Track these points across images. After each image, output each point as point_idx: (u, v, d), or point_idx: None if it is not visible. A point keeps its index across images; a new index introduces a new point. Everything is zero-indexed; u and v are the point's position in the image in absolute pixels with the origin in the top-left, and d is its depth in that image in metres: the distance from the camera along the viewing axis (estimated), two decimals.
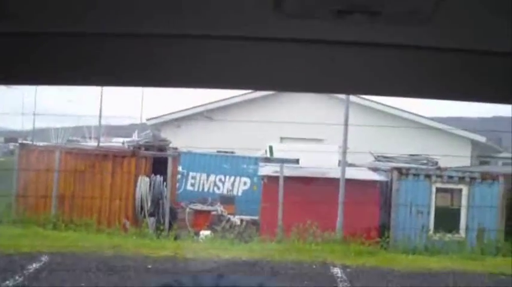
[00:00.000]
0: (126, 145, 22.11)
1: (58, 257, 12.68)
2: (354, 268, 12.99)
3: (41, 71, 1.43)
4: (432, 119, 27.42)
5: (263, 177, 17.45)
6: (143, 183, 17.32)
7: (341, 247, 14.51)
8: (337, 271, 12.83)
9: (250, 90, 27.91)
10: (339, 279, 12.24)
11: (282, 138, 26.50)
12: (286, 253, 13.68)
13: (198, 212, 18.13)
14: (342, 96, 22.57)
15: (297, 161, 20.53)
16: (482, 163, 28.02)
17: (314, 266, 12.92)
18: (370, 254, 14.08)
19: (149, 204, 17.26)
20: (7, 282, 11.06)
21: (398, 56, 1.37)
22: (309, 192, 16.39)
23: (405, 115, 26.10)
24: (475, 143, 27.71)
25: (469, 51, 1.35)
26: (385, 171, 17.97)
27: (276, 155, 22.55)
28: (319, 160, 19.95)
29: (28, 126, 32.20)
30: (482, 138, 28.08)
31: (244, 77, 1.44)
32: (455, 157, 22.66)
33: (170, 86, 1.62)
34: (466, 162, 25.33)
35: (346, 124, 16.98)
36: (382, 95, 2.03)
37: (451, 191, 17.46)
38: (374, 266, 13.22)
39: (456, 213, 17.19)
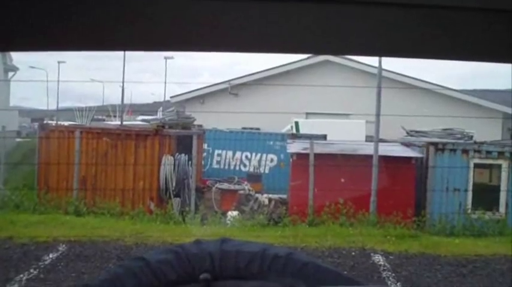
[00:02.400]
0: (150, 123, 21.13)
1: (76, 247, 11.48)
2: (396, 254, 11.60)
3: (39, 35, 1.30)
4: (461, 91, 26.15)
5: (292, 154, 16.15)
6: (167, 162, 16.17)
7: (379, 230, 13.10)
8: (378, 258, 11.43)
9: (272, 66, 27.16)
10: (381, 268, 10.83)
11: (307, 114, 25.39)
12: (321, 237, 12.30)
13: (224, 192, 16.98)
14: (370, 69, 21.47)
15: (324, 137, 19.46)
16: None
17: (353, 253, 11.51)
18: (412, 238, 12.70)
19: (174, 184, 16.15)
20: (21, 275, 9.80)
21: (400, 15, 1.26)
22: (339, 170, 15.16)
23: (434, 88, 24.76)
24: (506, 116, 26.22)
25: (473, 8, 1.24)
26: (419, 146, 16.60)
27: (302, 130, 21.58)
28: (346, 135, 18.90)
29: (53, 106, 31.30)
30: None
31: (243, 39, 1.33)
32: (486, 130, 21.39)
33: (171, 49, 1.45)
34: (497, 135, 24.02)
35: (378, 99, 15.51)
36: (383, 56, 1.82)
37: (489, 166, 16.18)
38: (418, 253, 11.81)
39: (495, 190, 15.93)
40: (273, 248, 1.63)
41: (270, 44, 1.36)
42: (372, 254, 11.56)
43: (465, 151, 15.85)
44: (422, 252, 11.79)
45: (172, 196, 15.93)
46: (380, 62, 16.01)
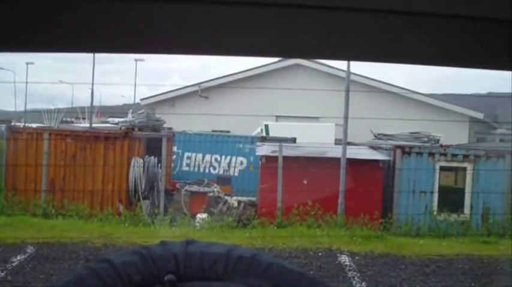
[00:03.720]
0: (119, 126, 21.14)
1: (45, 248, 11.49)
2: (362, 255, 11.82)
3: (31, 37, 1.32)
4: (429, 95, 26.53)
5: (261, 157, 16.30)
6: (137, 165, 16.22)
7: (346, 232, 13.33)
8: (344, 259, 11.65)
9: (243, 69, 27.30)
10: (347, 268, 11.05)
11: (277, 117, 25.58)
12: (289, 239, 12.49)
13: (194, 194, 17.11)
14: (340, 73, 21.74)
15: (294, 140, 19.66)
16: (479, 140, 27.05)
17: (320, 254, 11.72)
18: (377, 238, 12.94)
19: (143, 186, 16.20)
20: None
21: (392, 21, 1.30)
22: (308, 172, 15.36)
23: (403, 92, 25.12)
24: (472, 120, 26.70)
25: (464, 17, 1.29)
26: (387, 150, 16.90)
27: (272, 133, 21.74)
28: (316, 138, 19.11)
29: (21, 108, 31.07)
30: (479, 115, 27.07)
31: (220, 43, 1.35)
32: (453, 134, 21.79)
33: (160, 52, 1.49)
34: (464, 139, 24.45)
35: (347, 102, 15.76)
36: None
37: (455, 169, 16.49)
38: (383, 253, 12.06)
39: (461, 192, 16.23)
40: (238, 250, 1.61)
41: (245, 47, 1.37)
42: (338, 254, 11.78)
43: (431, 154, 16.14)
44: (387, 252, 12.04)
45: (141, 199, 15.97)
46: (348, 66, 16.25)
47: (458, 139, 21.85)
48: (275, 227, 14.07)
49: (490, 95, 35.23)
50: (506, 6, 1.28)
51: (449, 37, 1.35)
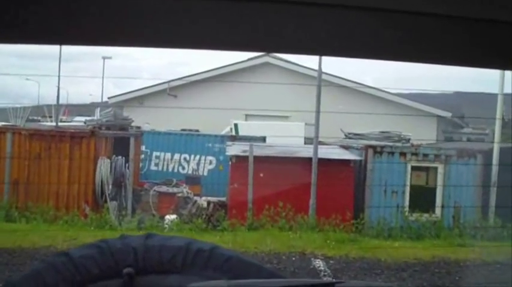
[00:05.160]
0: (86, 124, 20.41)
1: (4, 255, 10.76)
2: (337, 259, 11.34)
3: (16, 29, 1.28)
4: (398, 95, 26.26)
5: (231, 157, 15.76)
6: (103, 165, 15.58)
7: (319, 234, 12.83)
8: (319, 263, 11.14)
9: (212, 67, 26.76)
10: (322, 273, 10.55)
11: (247, 116, 25.03)
12: (261, 242, 11.95)
13: (162, 195, 16.56)
14: (310, 72, 21.33)
15: (263, 139, 19.17)
16: (447, 139, 26.89)
17: (293, 259, 11.18)
18: (351, 241, 12.49)
19: (110, 187, 15.62)
20: None
21: (374, 18, 1.31)
22: (279, 172, 14.90)
23: (371, 91, 24.78)
24: (440, 119, 26.48)
25: (442, 15, 1.30)
26: (358, 149, 16.45)
27: (242, 132, 21.25)
28: (285, 137, 18.68)
29: None
30: (447, 114, 26.87)
31: (194, 36, 1.34)
32: (422, 133, 21.51)
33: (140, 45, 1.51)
34: (432, 138, 24.22)
35: (318, 101, 15.29)
36: (356, 57, 1.48)
37: (426, 169, 16.17)
38: (358, 257, 11.58)
39: (432, 192, 15.92)
40: (197, 243, 1.64)
41: (223, 41, 1.36)
42: (312, 259, 11.27)
43: (403, 154, 15.83)
44: (362, 256, 11.58)
45: (108, 200, 15.34)
46: (320, 64, 15.82)
47: (426, 138, 21.60)
48: (246, 230, 13.52)
49: (457, 94, 35.30)
50: (489, 6, 1.28)
51: (428, 35, 1.36)
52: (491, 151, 16.20)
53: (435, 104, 26.96)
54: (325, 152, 15.56)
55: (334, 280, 6.39)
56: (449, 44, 1.41)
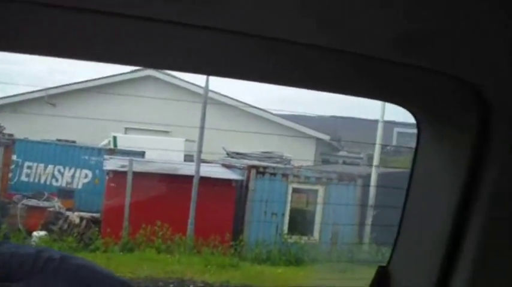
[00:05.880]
0: None
1: None
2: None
3: None
4: (278, 115, 26.12)
5: (108, 171, 14.75)
6: None
7: (199, 258, 12.07)
8: None
9: (93, 77, 25.53)
10: None
11: (126, 129, 23.93)
12: (137, 266, 11.01)
13: (32, 209, 15.28)
14: (195, 88, 20.70)
15: (142, 154, 18.23)
16: (324, 161, 27.00)
17: (171, 286, 10.33)
18: (233, 267, 11.85)
19: None
20: None
21: (257, 45, 1.36)
22: (158, 190, 14.16)
23: (255, 111, 24.44)
24: (318, 141, 26.55)
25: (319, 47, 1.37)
26: (241, 169, 15.89)
27: (120, 146, 20.20)
28: (164, 152, 17.89)
29: None
30: (326, 137, 27.01)
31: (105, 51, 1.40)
32: (301, 155, 21.37)
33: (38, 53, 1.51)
34: (311, 160, 24.17)
35: (203, 118, 14.64)
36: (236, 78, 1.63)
37: (307, 191, 15.90)
38: (240, 284, 10.86)
39: (311, 215, 15.69)
40: (48, 251, 1.64)
41: (107, 54, 1.40)
42: (191, 286, 10.48)
43: (285, 175, 15.53)
44: (244, 284, 10.91)
45: None
46: (207, 81, 15.21)
47: (306, 159, 21.50)
48: (120, 250, 12.53)
49: (333, 118, 35.81)
50: (369, 43, 1.34)
51: (307, 63, 1.42)
52: (369, 175, 16.21)
53: (314, 126, 27.05)
54: (206, 171, 14.95)
55: None
56: (326, 74, 1.47)
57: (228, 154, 19.01)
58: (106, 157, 16.84)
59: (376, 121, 16.43)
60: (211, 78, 18.84)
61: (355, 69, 1.43)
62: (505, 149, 1.51)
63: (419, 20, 1.26)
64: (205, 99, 15.03)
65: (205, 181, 14.39)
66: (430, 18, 1.25)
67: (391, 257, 1.86)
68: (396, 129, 26.41)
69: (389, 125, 18.80)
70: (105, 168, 15.59)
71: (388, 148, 23.07)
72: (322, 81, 1.53)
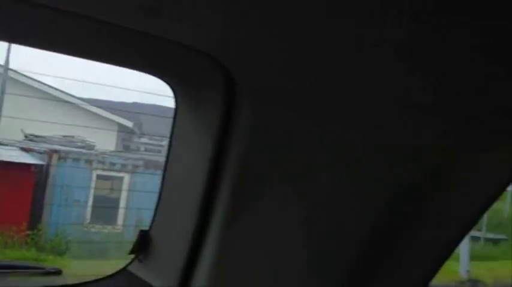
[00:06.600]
0: None
1: None
2: None
3: None
4: (80, 99, 24.68)
5: None
6: None
7: None
8: None
9: None
10: None
11: None
12: None
13: None
14: None
15: None
16: (125, 148, 26.04)
17: None
18: (34, 261, 10.62)
19: None
20: None
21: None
22: None
23: (57, 93, 22.82)
24: (121, 127, 25.50)
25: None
26: (41, 153, 14.65)
27: None
28: None
29: None
30: (129, 123, 26.06)
31: None
32: (103, 140, 20.37)
33: None
34: (112, 146, 23.17)
35: (1, 97, 13.24)
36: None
37: (112, 179, 15.22)
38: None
39: (115, 203, 14.95)
40: None
41: None
42: None
43: (89, 161, 14.67)
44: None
45: None
46: (7, 62, 13.76)
47: (107, 146, 20.53)
48: None
49: (135, 105, 34.87)
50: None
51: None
52: None
53: (117, 112, 25.99)
54: (1, 154, 13.47)
55: None
56: (78, 40, 1.46)
57: (26, 136, 17.44)
58: None
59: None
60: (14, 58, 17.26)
61: (111, 39, 1.43)
62: (248, 127, 1.63)
63: None
64: (5, 79, 13.63)
65: (0, 165, 13.00)
66: None
67: (152, 221, 2.02)
68: None
69: None
70: None
71: None
72: (79, 48, 1.52)
